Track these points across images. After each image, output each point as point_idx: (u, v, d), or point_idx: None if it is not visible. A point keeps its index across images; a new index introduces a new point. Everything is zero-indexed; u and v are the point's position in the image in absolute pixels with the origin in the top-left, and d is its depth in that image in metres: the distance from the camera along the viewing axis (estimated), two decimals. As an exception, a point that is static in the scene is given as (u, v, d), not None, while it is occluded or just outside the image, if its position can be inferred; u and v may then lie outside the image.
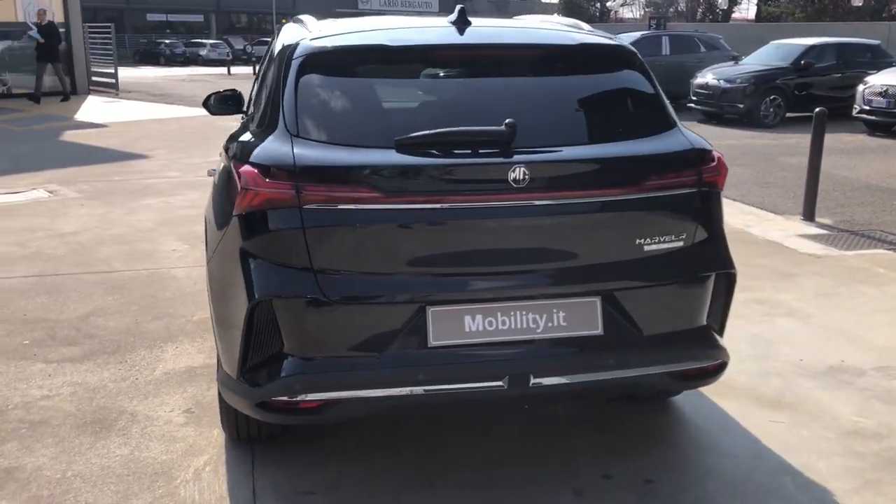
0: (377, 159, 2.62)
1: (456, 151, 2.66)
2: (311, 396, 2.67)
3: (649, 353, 2.83)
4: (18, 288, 5.38)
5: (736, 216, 7.53)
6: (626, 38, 17.90)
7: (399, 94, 2.90)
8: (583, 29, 3.40)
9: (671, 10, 53.58)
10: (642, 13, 53.96)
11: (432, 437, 3.42)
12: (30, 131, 13.45)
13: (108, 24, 21.03)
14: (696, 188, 2.85)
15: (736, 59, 17.12)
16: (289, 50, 2.98)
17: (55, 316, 4.87)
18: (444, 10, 57.14)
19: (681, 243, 2.84)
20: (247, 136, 2.95)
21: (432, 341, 2.66)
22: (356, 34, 3.09)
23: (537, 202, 2.66)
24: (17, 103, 17.30)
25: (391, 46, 2.95)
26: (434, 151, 2.65)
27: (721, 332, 3.06)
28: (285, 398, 2.68)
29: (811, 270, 5.84)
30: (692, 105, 15.69)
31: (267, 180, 2.62)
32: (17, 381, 3.96)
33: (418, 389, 2.67)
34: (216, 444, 3.36)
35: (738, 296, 5.21)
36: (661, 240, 2.80)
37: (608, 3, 52.54)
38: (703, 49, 18.16)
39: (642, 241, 2.78)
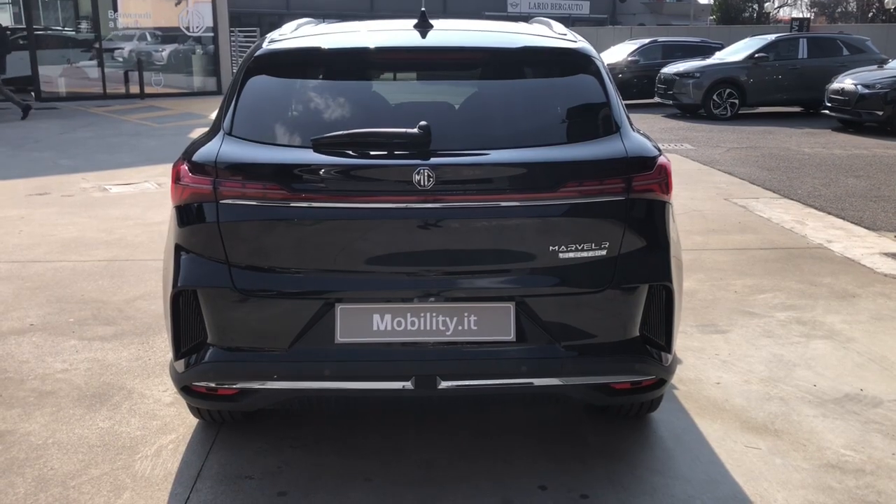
0: (291, 158, 2.72)
1: (370, 153, 2.71)
2: (226, 384, 2.80)
3: (567, 364, 2.77)
4: (88, 270, 5.87)
5: (823, 231, 7.07)
6: (758, 42, 17.07)
7: (335, 95, 2.96)
8: (554, 32, 3.34)
9: (838, 10, 50.36)
10: (810, 14, 51.02)
11: (379, 433, 3.47)
12: (165, 128, 14.50)
13: (254, 28, 22.27)
14: (625, 196, 2.75)
15: (882, 62, 15.91)
16: (247, 54, 3.13)
17: (107, 298, 5.28)
18: (595, 11, 56.36)
19: (604, 252, 2.75)
20: (200, 137, 3.12)
21: (339, 338, 2.72)
22: (309, 38, 3.19)
23: (444, 205, 2.67)
24: (165, 102, 18.67)
25: (329, 49, 3.04)
26: (348, 152, 2.71)
27: (666, 347, 2.93)
28: (204, 384, 2.82)
29: (877, 292, 5.41)
30: (827, 112, 14.74)
31: (191, 175, 2.77)
32: (47, 355, 4.34)
33: (326, 384, 2.74)
34: (188, 425, 3.56)
35: (781, 315, 4.98)
36: (581, 247, 2.72)
37: (766, 4, 50.04)
38: (845, 52, 16.99)
39: (559, 248, 2.72)
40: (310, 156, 2.71)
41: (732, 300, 5.22)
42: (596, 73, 3.02)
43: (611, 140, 2.85)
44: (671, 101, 17.00)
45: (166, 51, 20.83)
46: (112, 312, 5.00)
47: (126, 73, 19.70)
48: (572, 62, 3.04)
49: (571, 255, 2.72)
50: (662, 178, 2.83)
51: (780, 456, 3.31)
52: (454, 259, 2.73)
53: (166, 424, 3.58)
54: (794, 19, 26.06)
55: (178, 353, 2.88)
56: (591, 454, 3.31)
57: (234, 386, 2.81)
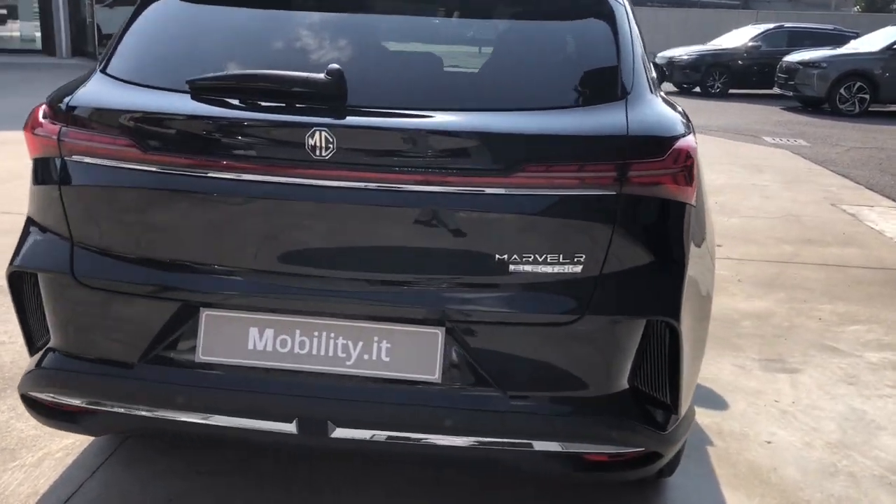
0: (152, 104, 2.01)
1: (260, 103, 1.97)
2: (63, 400, 2.15)
3: (512, 420, 1.96)
4: None
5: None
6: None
7: (245, 28, 2.24)
8: None
9: None
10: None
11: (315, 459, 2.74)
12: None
13: None
14: (615, 190, 1.90)
15: None
16: None
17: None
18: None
19: (577, 269, 1.92)
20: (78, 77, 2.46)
21: (201, 356, 2.01)
22: None
23: (349, 184, 1.90)
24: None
25: None
26: (232, 101, 1.98)
27: (671, 406, 2.08)
28: (46, 396, 2.18)
29: None
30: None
31: (43, 122, 2.11)
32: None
33: (179, 416, 2.03)
34: (92, 429, 2.93)
35: (873, 356, 3.96)
36: (543, 259, 1.91)
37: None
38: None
39: (511, 257, 1.91)
40: (178, 102, 1.99)
41: (814, 330, 4.22)
42: (608, 16, 2.18)
43: (610, 109, 2.00)
44: (791, 93, 15.50)
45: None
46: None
47: None
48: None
49: (528, 268, 1.91)
50: (680, 167, 1.97)
51: (833, 564, 2.40)
52: (363, 261, 1.97)
53: (68, 426, 2.96)
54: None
55: (31, 351, 2.26)
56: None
57: (72, 402, 2.14)
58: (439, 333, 1.94)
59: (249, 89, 1.97)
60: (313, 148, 1.86)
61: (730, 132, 11.84)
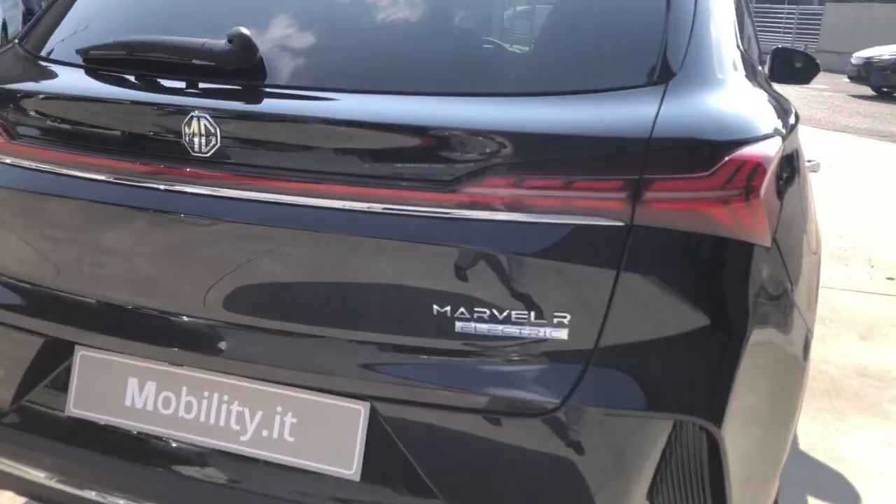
0: (29, 83, 1.59)
1: (150, 79, 1.50)
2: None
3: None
4: None
5: None
6: None
7: None
8: None
9: None
10: None
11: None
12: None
13: None
14: (625, 220, 1.25)
15: None
16: None
17: None
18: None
19: (561, 334, 1.29)
20: None
21: (72, 408, 1.55)
22: None
23: (239, 192, 1.37)
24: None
25: None
26: (119, 76, 1.53)
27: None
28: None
29: None
30: None
31: None
32: None
33: (47, 481, 1.59)
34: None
35: None
36: (511, 317, 1.29)
37: None
38: None
39: (460, 312, 1.31)
40: (54, 80, 1.56)
41: None
42: None
43: (636, 97, 1.34)
44: None
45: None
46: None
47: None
48: None
49: (484, 329, 1.30)
50: (737, 189, 1.28)
51: None
52: (263, 304, 1.43)
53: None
54: None
55: None
56: None
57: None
58: (361, 410, 1.37)
59: (138, 61, 1.50)
60: (190, 140, 1.35)
61: (931, 143, 10.28)
